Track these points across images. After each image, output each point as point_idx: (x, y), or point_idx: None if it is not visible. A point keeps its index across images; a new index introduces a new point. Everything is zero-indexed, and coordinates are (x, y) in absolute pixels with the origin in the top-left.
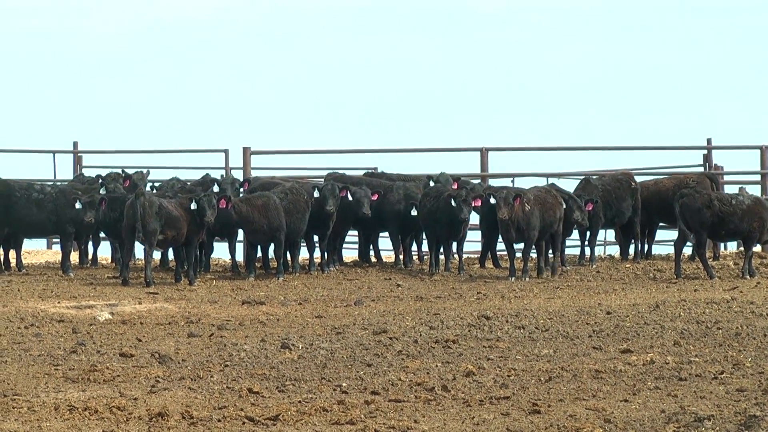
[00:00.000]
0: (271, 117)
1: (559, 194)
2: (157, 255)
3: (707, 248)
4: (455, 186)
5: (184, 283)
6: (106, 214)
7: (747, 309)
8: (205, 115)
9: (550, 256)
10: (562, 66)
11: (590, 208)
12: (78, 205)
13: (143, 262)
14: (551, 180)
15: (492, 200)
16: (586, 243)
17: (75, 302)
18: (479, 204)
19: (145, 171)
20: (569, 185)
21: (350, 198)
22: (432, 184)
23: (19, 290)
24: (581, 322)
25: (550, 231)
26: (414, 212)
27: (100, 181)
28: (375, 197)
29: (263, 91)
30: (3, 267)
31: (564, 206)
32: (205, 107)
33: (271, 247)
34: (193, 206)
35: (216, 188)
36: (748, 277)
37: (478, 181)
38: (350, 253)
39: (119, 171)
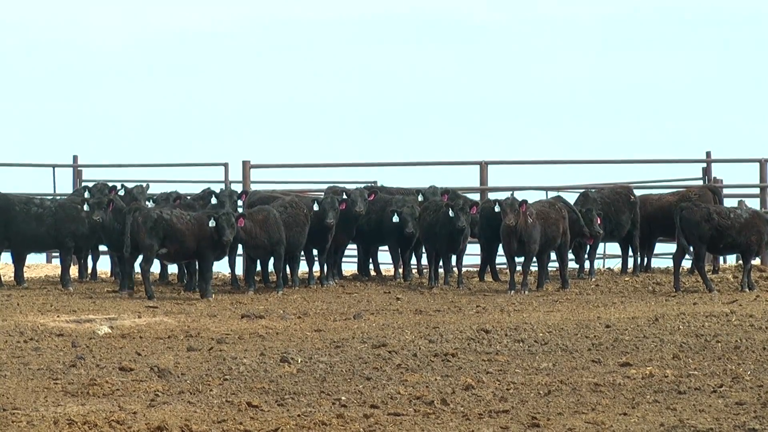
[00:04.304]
0: (270, 131)
1: (565, 208)
2: (156, 269)
3: (707, 261)
4: (444, 198)
5: (184, 296)
6: (112, 225)
7: (746, 322)
8: (204, 128)
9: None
10: (561, 79)
11: (599, 222)
12: (86, 207)
13: (141, 276)
14: (553, 193)
15: (497, 208)
16: (586, 256)
17: (74, 316)
18: (476, 212)
19: (144, 185)
20: (568, 198)
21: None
22: (420, 197)
23: (18, 304)
24: (580, 335)
25: (554, 245)
26: (410, 228)
27: (86, 192)
28: (371, 197)
29: (263, 105)
30: None
31: (567, 219)
32: (205, 121)
33: (271, 260)
34: (212, 224)
35: (214, 200)
36: (747, 290)
37: (477, 195)
38: (349, 267)
39: (106, 183)
